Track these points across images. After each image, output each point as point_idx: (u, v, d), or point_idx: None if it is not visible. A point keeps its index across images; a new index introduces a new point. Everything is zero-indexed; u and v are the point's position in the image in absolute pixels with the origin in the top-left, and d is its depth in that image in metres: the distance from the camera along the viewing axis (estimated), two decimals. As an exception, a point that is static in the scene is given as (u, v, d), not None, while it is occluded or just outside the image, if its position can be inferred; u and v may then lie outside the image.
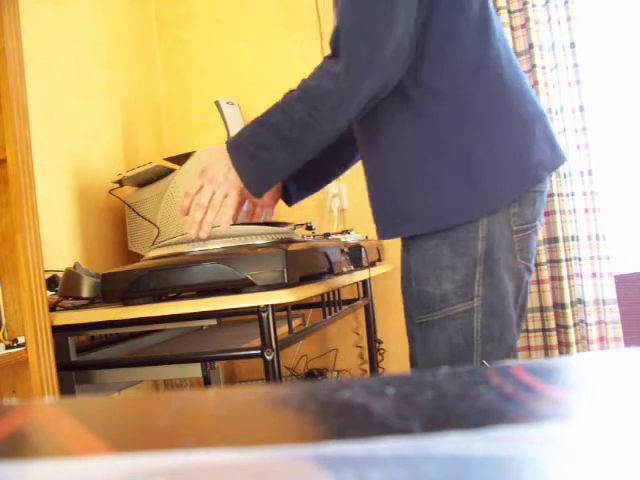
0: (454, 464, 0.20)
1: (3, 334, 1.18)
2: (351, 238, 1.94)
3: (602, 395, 0.27)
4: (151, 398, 0.41)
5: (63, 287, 1.35)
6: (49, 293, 1.32)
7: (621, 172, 2.40)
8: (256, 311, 1.14)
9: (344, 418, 0.26)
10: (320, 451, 0.22)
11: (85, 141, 1.96)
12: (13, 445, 0.26)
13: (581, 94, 2.20)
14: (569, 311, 2.18)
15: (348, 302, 1.89)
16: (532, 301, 2.23)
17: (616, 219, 2.37)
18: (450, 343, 1.04)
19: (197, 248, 1.17)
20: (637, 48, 2.37)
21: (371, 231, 1.56)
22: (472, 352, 1.04)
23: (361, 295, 2.11)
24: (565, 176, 2.22)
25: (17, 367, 1.16)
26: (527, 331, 2.25)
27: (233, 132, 2.03)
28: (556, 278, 2.21)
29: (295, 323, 1.67)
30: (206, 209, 1.07)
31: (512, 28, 2.25)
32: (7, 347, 1.15)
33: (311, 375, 2.33)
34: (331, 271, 1.38)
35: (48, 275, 1.39)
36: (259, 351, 1.15)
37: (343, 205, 2.37)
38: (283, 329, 1.28)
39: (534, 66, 2.19)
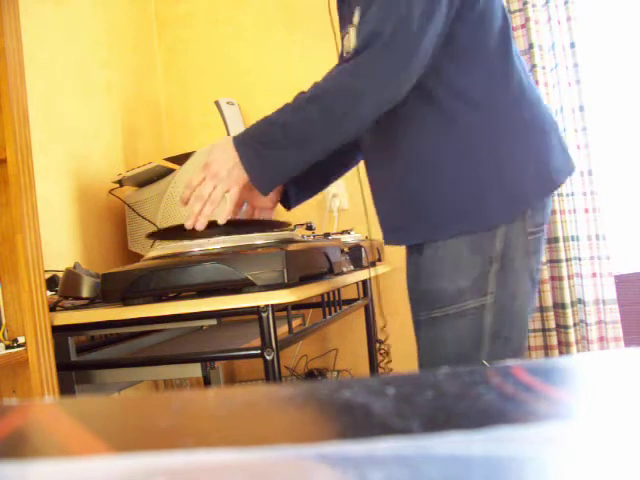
0: (454, 464, 0.20)
1: (3, 334, 1.18)
2: (351, 238, 1.94)
3: (602, 395, 0.27)
4: (151, 398, 0.41)
5: (63, 287, 1.35)
6: (49, 293, 1.32)
7: (621, 172, 2.40)
8: (256, 311, 1.14)
9: (344, 418, 0.26)
10: (320, 451, 0.22)
11: (85, 141, 1.96)
12: (13, 445, 0.26)
13: (581, 94, 2.20)
14: (569, 311, 2.18)
15: (348, 302, 1.89)
16: (532, 301, 2.22)
17: (616, 219, 2.37)
18: (459, 338, 1.05)
19: (197, 248, 1.17)
20: (637, 48, 2.37)
21: (370, 231, 1.56)
22: (480, 348, 1.04)
23: (361, 295, 2.11)
24: (565, 176, 2.22)
25: (17, 367, 1.16)
26: (527, 331, 2.25)
27: (233, 132, 2.03)
28: (556, 278, 2.21)
29: (295, 323, 1.67)
30: (205, 202, 1.07)
31: (512, 28, 2.25)
32: (7, 347, 1.14)
33: (311, 375, 2.33)
34: (331, 271, 1.38)
35: (48, 275, 1.39)
36: (259, 351, 1.15)
37: (343, 205, 2.37)
38: (283, 329, 1.28)
39: (534, 66, 2.19)
